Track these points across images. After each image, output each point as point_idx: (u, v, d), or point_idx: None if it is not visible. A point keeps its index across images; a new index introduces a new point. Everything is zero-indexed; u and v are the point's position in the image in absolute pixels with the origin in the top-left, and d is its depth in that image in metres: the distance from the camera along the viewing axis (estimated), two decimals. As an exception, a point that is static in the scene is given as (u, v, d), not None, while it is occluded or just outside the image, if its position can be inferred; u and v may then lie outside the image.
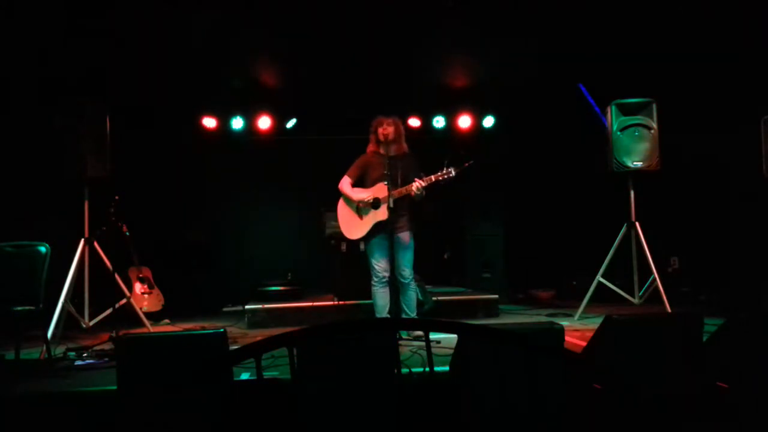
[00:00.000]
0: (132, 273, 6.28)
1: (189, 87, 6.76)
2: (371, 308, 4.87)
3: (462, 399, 2.36)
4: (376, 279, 4.75)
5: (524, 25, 5.97)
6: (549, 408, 2.21)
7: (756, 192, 5.28)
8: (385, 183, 4.52)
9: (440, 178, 4.50)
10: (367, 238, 4.78)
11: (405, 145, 4.85)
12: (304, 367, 2.36)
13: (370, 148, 4.90)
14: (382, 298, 4.76)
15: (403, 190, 4.58)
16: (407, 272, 4.73)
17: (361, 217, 4.79)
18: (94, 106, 5.10)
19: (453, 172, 4.48)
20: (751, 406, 2.44)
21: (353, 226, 4.81)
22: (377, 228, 4.69)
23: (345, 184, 4.85)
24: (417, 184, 4.50)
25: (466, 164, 4.49)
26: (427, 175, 4.54)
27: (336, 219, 5.06)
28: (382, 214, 4.59)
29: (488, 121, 7.78)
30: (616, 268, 5.68)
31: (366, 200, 4.72)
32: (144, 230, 6.24)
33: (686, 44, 5.93)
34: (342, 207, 4.91)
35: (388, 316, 4.66)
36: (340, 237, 5.45)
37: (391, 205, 4.48)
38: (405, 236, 4.73)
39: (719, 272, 6.10)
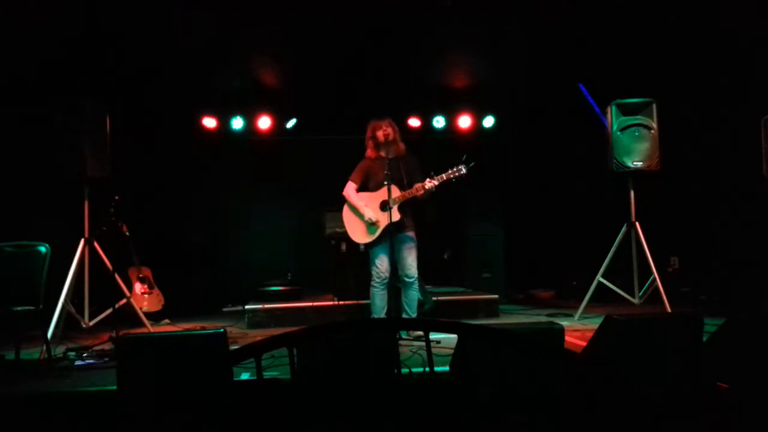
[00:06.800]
0: (132, 273, 6.28)
1: (189, 87, 6.76)
2: (370, 308, 4.87)
3: (462, 399, 2.36)
4: (377, 280, 4.75)
5: (524, 25, 5.97)
6: (549, 408, 2.21)
7: (756, 192, 5.27)
8: (386, 183, 4.54)
9: (452, 176, 4.57)
10: (374, 242, 4.78)
11: (403, 145, 4.86)
12: (304, 367, 2.36)
13: (369, 153, 4.90)
14: (381, 299, 4.76)
15: (413, 191, 4.60)
16: (412, 272, 4.73)
17: (368, 226, 4.78)
18: (94, 106, 5.10)
19: (464, 170, 4.55)
20: (751, 406, 2.44)
21: (361, 233, 4.79)
22: (385, 231, 4.69)
23: (350, 190, 4.83)
24: (431, 184, 4.55)
25: (471, 165, 4.55)
26: (438, 173, 4.59)
27: (336, 219, 5.05)
28: (389, 217, 4.60)
29: (488, 121, 7.78)
30: (616, 268, 5.68)
31: (374, 219, 4.69)
32: (144, 230, 6.23)
33: (686, 44, 5.93)
34: (348, 213, 4.88)
35: (385, 317, 4.66)
36: (340, 237, 5.45)
37: (398, 205, 4.55)
38: (410, 236, 4.75)
39: (719, 272, 6.10)
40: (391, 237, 4.61)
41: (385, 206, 4.68)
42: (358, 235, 4.81)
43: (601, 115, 5.85)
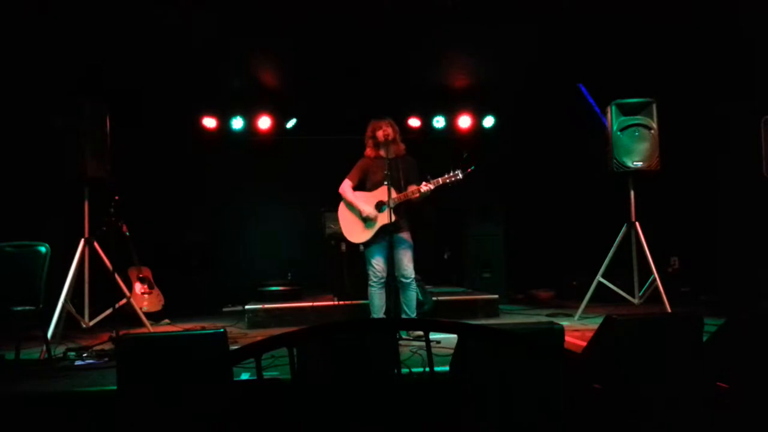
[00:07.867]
0: (132, 273, 6.28)
1: (189, 87, 6.76)
2: (369, 308, 4.87)
3: (462, 399, 2.36)
4: (374, 279, 4.76)
5: (525, 25, 5.97)
6: (549, 408, 2.21)
7: (755, 192, 5.27)
8: (386, 183, 4.53)
9: (448, 180, 4.55)
10: (369, 242, 4.78)
11: (402, 146, 4.86)
12: (304, 367, 2.36)
13: (369, 152, 4.90)
14: (379, 298, 4.76)
15: (408, 193, 4.59)
16: (409, 272, 4.73)
17: (365, 222, 4.78)
18: (94, 106, 5.10)
19: (460, 175, 4.53)
20: (751, 406, 2.44)
21: (356, 231, 4.79)
22: (381, 231, 4.69)
23: (347, 188, 4.83)
24: (426, 187, 4.54)
25: (469, 170, 4.52)
26: (434, 177, 4.57)
27: (336, 219, 5.05)
28: (386, 217, 4.60)
29: (488, 121, 7.79)
30: (616, 268, 5.68)
31: (372, 215, 4.70)
32: (144, 230, 6.23)
33: (686, 44, 5.93)
34: (344, 211, 4.88)
35: (384, 317, 4.66)
36: (340, 237, 5.44)
37: (393, 207, 4.52)
38: (406, 236, 4.75)
39: (720, 272, 6.10)
40: (388, 236, 4.61)
41: (381, 206, 4.67)
42: (353, 233, 4.81)
43: (601, 115, 5.85)
